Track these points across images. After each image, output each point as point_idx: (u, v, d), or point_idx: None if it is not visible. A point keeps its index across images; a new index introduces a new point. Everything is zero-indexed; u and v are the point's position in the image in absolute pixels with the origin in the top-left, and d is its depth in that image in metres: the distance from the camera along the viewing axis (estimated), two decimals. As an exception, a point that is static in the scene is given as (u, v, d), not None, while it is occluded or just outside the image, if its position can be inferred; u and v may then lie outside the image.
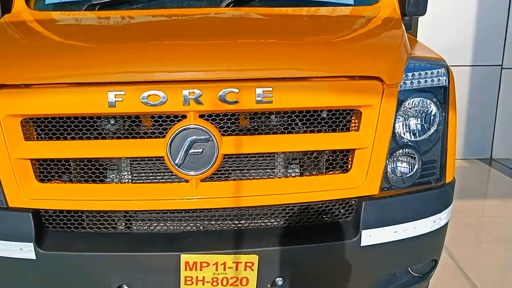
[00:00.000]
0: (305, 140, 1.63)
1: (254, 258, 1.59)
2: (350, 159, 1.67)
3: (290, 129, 1.64)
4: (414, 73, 1.71)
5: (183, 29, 1.88)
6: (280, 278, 1.65)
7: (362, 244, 1.64)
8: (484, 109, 5.27)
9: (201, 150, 1.55)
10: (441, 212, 1.76)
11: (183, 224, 1.66)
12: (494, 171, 5.03)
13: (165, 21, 2.03)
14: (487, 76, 5.21)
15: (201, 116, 1.57)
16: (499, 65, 5.20)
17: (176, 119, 1.57)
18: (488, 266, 3.01)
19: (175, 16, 2.09)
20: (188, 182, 1.59)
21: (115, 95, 1.50)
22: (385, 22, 2.05)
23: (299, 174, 1.69)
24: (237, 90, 1.52)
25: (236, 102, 1.53)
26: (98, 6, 2.15)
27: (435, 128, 1.74)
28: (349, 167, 1.67)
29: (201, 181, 1.60)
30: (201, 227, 1.67)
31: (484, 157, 5.39)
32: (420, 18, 5.14)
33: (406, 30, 2.46)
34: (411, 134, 1.72)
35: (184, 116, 1.56)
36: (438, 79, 1.74)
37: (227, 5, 2.12)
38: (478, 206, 4.02)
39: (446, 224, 1.82)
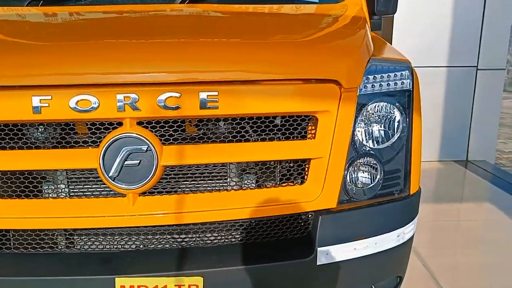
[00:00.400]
0: (256, 150, 1.48)
1: (199, 281, 1.44)
2: (305, 170, 1.53)
3: (239, 138, 1.49)
4: (376, 75, 1.57)
5: (125, 28, 1.72)
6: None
7: (318, 263, 1.50)
8: (459, 110, 5.21)
9: (138, 161, 1.39)
10: (405, 225, 1.63)
11: (120, 243, 1.50)
12: (470, 173, 4.97)
13: (108, 19, 1.86)
14: (462, 77, 5.15)
15: (140, 124, 1.41)
16: (475, 66, 5.14)
17: (111, 127, 1.41)
18: (460, 272, 2.91)
19: (123, 13, 1.92)
20: (125, 196, 1.43)
21: (40, 100, 1.34)
22: (348, 21, 1.92)
23: (249, 187, 1.54)
24: (178, 95, 1.37)
25: (178, 108, 1.38)
26: (42, 1, 1.96)
27: (398, 135, 1.61)
28: (304, 179, 1.53)
29: (139, 196, 1.44)
30: (140, 246, 1.51)
31: (460, 159, 5.32)
32: (395, 18, 5.06)
33: (374, 30, 2.34)
34: (373, 141, 1.58)
35: (120, 124, 1.40)
36: (402, 82, 1.61)
37: (182, 2, 1.96)
38: (454, 209, 3.94)
39: (411, 238, 1.69)
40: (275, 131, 1.50)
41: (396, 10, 2.36)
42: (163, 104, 1.37)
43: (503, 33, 5.11)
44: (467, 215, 3.81)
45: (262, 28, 1.80)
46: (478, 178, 4.80)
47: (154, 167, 1.40)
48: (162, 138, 1.43)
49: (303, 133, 1.52)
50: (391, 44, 5.05)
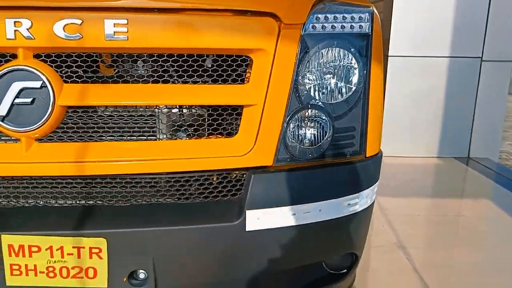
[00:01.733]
0: (177, 92, 1.26)
1: (102, 243, 1.21)
2: (237, 120, 1.30)
3: (157, 78, 1.27)
4: (328, 15, 1.35)
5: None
6: (142, 271, 1.28)
7: (247, 228, 1.26)
8: (462, 104, 4.92)
9: (31, 99, 1.18)
10: (358, 192, 1.39)
11: (13, 197, 1.28)
12: (471, 170, 4.67)
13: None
14: (466, 68, 4.86)
15: (38, 57, 1.20)
16: (479, 57, 4.85)
17: (3, 59, 1.20)
18: (447, 268, 2.65)
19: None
20: (19, 142, 1.22)
21: None
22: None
23: (168, 136, 1.32)
24: (79, 21, 1.16)
25: (79, 37, 1.16)
26: None
27: (353, 87, 1.37)
28: (235, 130, 1.30)
29: (36, 141, 1.23)
30: (38, 202, 1.29)
31: (461, 156, 5.03)
32: (396, 5, 4.80)
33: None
34: (321, 92, 1.35)
35: (15, 56, 1.19)
36: (360, 25, 1.38)
37: None
38: (451, 205, 3.66)
39: (367, 210, 1.45)
40: (201, 72, 1.28)
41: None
42: (61, 32, 1.16)
43: (510, 23, 4.81)
44: (465, 211, 3.53)
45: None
46: (479, 175, 4.50)
47: (50, 107, 1.18)
48: (64, 75, 1.21)
49: (233, 76, 1.29)
50: (390, 28, 4.81)
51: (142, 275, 1.28)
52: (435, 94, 4.88)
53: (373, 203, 1.48)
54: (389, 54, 4.80)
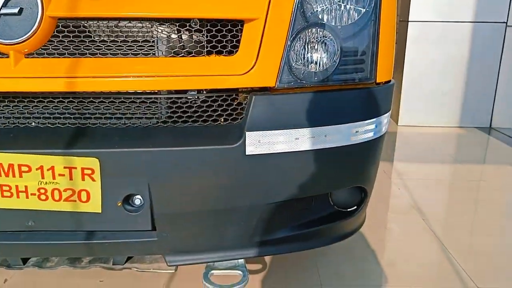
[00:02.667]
0: (172, 3, 1.17)
1: (94, 163, 1.16)
2: (238, 37, 1.22)
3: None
4: None
5: None
6: (138, 196, 1.22)
7: (247, 152, 1.19)
8: (485, 71, 4.73)
9: (17, 9, 1.11)
10: (366, 119, 1.30)
11: (4, 117, 1.23)
12: (494, 139, 4.50)
13: None
14: (489, 34, 4.66)
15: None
16: (504, 22, 4.64)
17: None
18: (464, 230, 2.54)
19: None
20: (8, 57, 1.16)
21: None
22: None
23: (164, 53, 1.24)
24: None
25: None
26: None
27: (363, 8, 1.27)
28: (236, 48, 1.22)
29: (26, 57, 1.17)
30: (29, 123, 1.24)
31: (482, 126, 4.86)
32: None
33: None
34: (328, 10, 1.25)
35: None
36: None
37: None
38: (472, 171, 3.52)
39: (377, 140, 1.35)
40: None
41: None
42: None
43: (538, -15, 4.59)
44: (486, 177, 3.39)
45: None
46: (501, 144, 4.33)
47: (38, 18, 1.12)
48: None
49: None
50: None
51: (137, 201, 1.22)
52: (457, 61, 4.70)
53: (384, 134, 1.39)
54: (409, 20, 4.63)
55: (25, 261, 1.45)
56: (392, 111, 4.48)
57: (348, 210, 1.44)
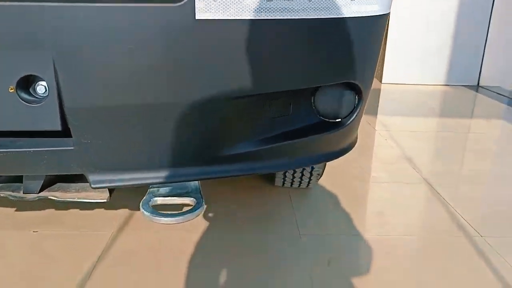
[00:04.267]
0: None
1: None
2: None
3: None
4: None
5: None
6: (42, 83, 0.84)
7: (198, 15, 0.82)
8: (473, 27, 4.44)
9: None
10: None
11: None
12: (481, 96, 4.24)
13: None
14: (479, -14, 4.36)
15: None
16: (495, -28, 4.34)
17: None
18: (455, 176, 2.25)
19: None
20: None
21: None
22: None
23: None
24: None
25: None
26: None
27: None
28: None
29: None
30: None
31: (470, 84, 4.59)
32: None
33: None
34: None
35: None
36: None
37: None
38: (461, 124, 3.25)
39: (380, 19, 1.00)
40: None
41: None
42: None
43: None
44: (475, 129, 3.12)
45: None
46: (489, 100, 4.08)
47: None
48: None
49: None
50: None
51: (40, 88, 0.84)
52: (443, 15, 4.38)
53: (388, 14, 1.04)
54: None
55: None
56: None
57: (336, 120, 1.09)
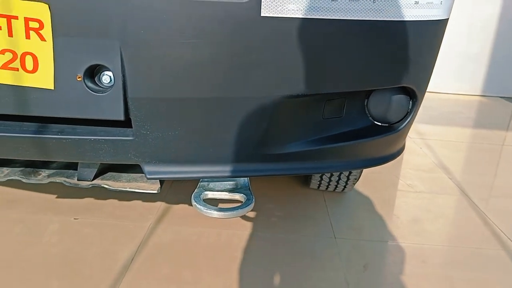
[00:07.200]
0: None
1: (42, 12, 0.80)
2: None
3: None
4: None
5: None
6: (107, 73, 0.86)
7: (263, 13, 0.83)
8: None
9: None
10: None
11: None
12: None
13: None
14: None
15: None
16: (539, -18, 4.22)
17: None
18: (493, 189, 2.20)
19: None
20: None
21: None
22: None
23: None
24: None
25: None
26: None
27: None
28: None
29: None
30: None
31: (508, 96, 4.49)
32: None
33: None
34: None
35: None
36: None
37: None
38: (496, 135, 3.18)
39: (441, 24, 0.99)
40: None
41: None
42: None
43: None
44: (508, 142, 3.05)
45: None
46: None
47: None
48: None
49: None
50: None
51: (105, 78, 0.87)
52: (483, 20, 4.29)
53: (447, 19, 1.03)
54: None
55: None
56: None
57: (388, 124, 1.09)
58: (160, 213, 1.74)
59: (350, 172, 1.73)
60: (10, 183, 1.94)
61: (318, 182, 1.85)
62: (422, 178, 2.26)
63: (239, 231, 1.63)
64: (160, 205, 1.79)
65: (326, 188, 1.92)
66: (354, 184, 1.84)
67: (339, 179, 1.79)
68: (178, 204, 1.81)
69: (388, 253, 1.55)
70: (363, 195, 2.02)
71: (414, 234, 1.69)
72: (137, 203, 1.81)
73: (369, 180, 2.18)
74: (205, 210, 0.96)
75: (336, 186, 1.88)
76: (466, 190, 2.15)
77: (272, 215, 1.78)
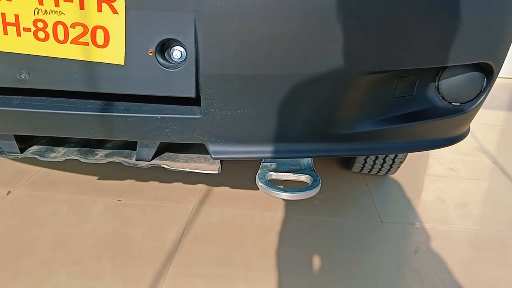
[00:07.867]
0: None
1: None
2: None
3: None
4: None
5: None
6: (178, 48, 0.83)
7: None
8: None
9: None
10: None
11: None
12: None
13: None
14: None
15: None
16: None
17: None
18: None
19: None
20: None
21: None
22: None
23: None
24: None
25: None
26: None
27: None
28: None
29: None
30: None
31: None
32: None
33: None
34: None
35: None
36: None
37: None
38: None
39: None
40: None
41: None
42: None
43: None
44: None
45: None
46: None
47: None
48: None
49: None
50: None
51: (176, 53, 0.83)
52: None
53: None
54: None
55: (23, 149, 1.09)
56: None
57: (459, 103, 1.03)
58: (202, 195, 1.72)
59: (396, 155, 1.69)
60: (51, 165, 1.94)
61: (362, 165, 1.81)
62: (464, 162, 2.20)
63: (283, 213, 1.61)
64: (201, 187, 1.77)
65: (369, 172, 1.88)
66: (398, 167, 1.79)
67: (384, 162, 1.74)
68: (219, 186, 1.79)
69: (438, 237, 1.51)
70: (404, 179, 1.98)
71: (463, 218, 1.65)
72: (178, 185, 1.79)
73: (410, 164, 2.13)
74: (271, 191, 0.93)
75: (380, 169, 1.83)
76: (509, 173, 2.08)
77: (315, 197, 1.75)
